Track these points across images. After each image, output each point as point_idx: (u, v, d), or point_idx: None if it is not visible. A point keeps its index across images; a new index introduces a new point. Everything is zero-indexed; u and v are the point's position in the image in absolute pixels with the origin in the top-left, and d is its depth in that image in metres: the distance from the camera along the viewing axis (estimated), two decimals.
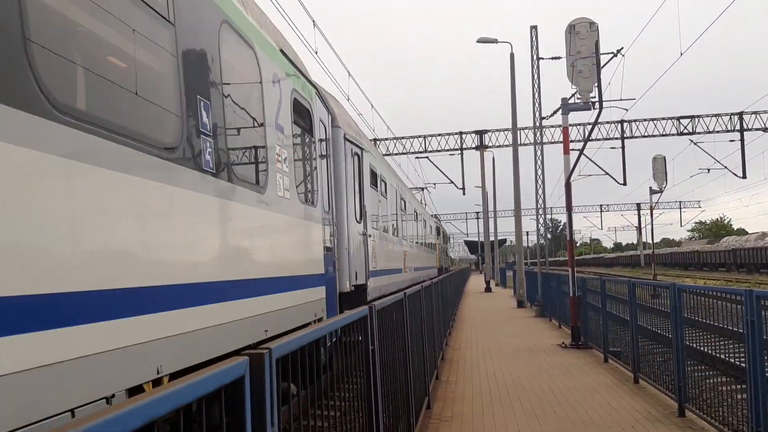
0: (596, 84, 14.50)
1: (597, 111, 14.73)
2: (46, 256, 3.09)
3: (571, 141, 19.24)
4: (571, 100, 15.79)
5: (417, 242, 26.07)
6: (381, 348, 4.47)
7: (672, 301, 7.81)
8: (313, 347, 2.69)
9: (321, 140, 9.29)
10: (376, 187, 14.73)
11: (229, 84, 5.54)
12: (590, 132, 16.57)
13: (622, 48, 18.21)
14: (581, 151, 16.84)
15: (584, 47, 14.52)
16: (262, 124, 6.34)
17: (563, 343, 14.69)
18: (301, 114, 8.19)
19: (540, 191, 28.11)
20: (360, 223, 12.12)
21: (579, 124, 41.64)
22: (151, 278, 3.99)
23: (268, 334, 6.01)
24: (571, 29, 14.67)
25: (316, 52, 16.44)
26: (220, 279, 5.04)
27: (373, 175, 14.29)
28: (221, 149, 5.20)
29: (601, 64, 14.61)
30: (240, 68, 5.99)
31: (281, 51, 7.42)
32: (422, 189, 44.98)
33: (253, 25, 6.48)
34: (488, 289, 41.84)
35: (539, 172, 28.21)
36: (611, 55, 17.07)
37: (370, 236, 12.85)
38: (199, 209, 4.75)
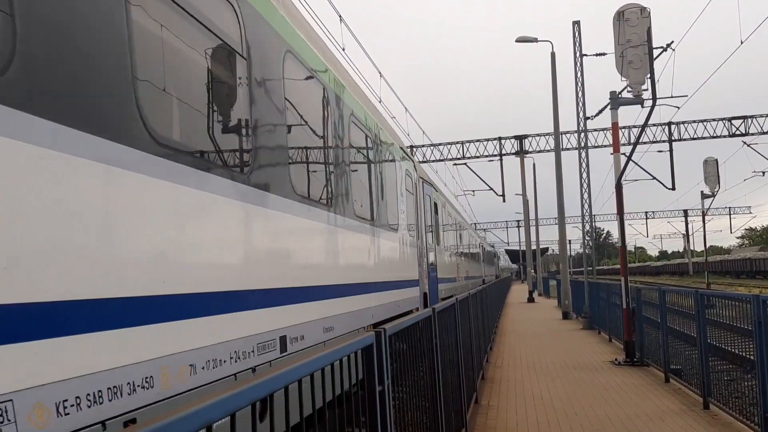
0: (648, 75, 13.16)
1: (648, 108, 13.39)
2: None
3: (621, 145, 17.87)
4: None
5: (490, 263, 56.15)
6: (396, 383, 3.40)
7: (756, 315, 6.54)
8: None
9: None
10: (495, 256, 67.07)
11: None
12: (642, 130, 15.18)
13: (672, 42, 16.82)
14: (629, 157, 15.43)
15: (635, 35, 13.19)
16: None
17: (616, 359, 13.39)
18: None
19: (585, 196, 26.69)
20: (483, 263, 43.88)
21: (625, 127, 39.91)
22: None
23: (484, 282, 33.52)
24: (620, 16, 13.38)
25: (344, 49, 15.57)
26: (477, 275, 36.20)
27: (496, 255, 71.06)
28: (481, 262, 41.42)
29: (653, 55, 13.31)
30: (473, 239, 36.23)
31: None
32: (484, 230, 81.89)
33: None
34: (531, 300, 40.45)
35: (584, 176, 26.77)
36: (660, 50, 15.73)
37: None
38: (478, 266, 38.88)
